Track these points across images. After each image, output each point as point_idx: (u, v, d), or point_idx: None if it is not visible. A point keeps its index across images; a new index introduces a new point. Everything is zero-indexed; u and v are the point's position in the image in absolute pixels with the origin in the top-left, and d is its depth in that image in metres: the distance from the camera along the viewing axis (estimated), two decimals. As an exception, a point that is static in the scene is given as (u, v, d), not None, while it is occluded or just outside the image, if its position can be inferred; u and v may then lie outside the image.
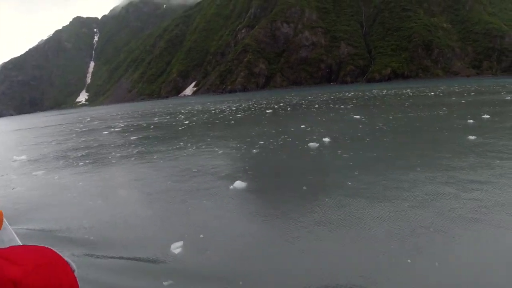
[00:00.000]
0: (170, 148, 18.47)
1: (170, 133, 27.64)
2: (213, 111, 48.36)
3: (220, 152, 15.65)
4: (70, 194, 11.70)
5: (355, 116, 25.18)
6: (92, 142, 27.22)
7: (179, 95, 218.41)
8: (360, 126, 20.59)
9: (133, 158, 16.78)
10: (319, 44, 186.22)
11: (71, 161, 18.65)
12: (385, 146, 15.07)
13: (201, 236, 7.24)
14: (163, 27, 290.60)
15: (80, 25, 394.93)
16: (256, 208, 8.82)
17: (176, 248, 6.71)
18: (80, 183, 13.14)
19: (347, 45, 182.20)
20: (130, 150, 20.09)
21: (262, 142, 16.74)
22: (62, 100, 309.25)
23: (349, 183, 9.88)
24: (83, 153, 20.94)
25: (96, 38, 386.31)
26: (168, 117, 47.63)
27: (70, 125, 53.20)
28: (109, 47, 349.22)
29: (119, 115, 69.91)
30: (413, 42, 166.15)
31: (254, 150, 15.22)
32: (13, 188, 13.29)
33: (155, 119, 46.73)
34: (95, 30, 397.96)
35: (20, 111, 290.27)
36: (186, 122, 35.73)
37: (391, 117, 23.83)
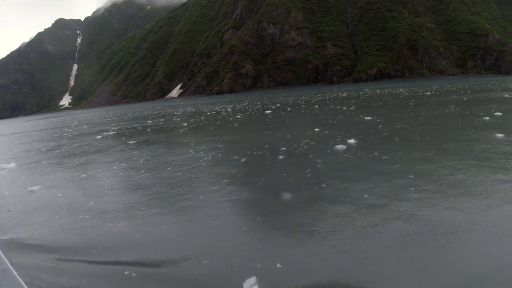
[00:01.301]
0: (181, 155, 17.08)
1: (172, 137, 26.19)
2: (208, 113, 47.41)
3: (243, 160, 14.56)
4: (85, 219, 9.64)
5: (366, 117, 24.58)
6: (87, 147, 25.54)
7: (165, 97, 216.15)
8: (380, 126, 20.04)
9: (143, 170, 15.11)
10: (305, 45, 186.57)
11: (70, 171, 16.95)
12: (419, 145, 14.58)
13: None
14: (147, 28, 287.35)
15: (63, 27, 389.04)
16: (318, 224, 8.08)
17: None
18: (92, 202, 11.19)
19: (333, 45, 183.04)
20: (134, 158, 18.42)
21: (284, 148, 15.81)
22: (45, 104, 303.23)
23: (412, 189, 9.35)
24: (81, 161, 19.40)
25: (79, 40, 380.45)
26: (162, 119, 46.47)
27: (58, 130, 51.28)
28: (93, 50, 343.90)
29: (107, 118, 68.26)
30: (398, 42, 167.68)
31: (280, 157, 14.32)
32: (8, 211, 11.28)
33: (149, 121, 45.55)
34: (78, 32, 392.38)
35: (1, 116, 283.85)
36: (184, 124, 34.56)
37: (405, 117, 23.39)
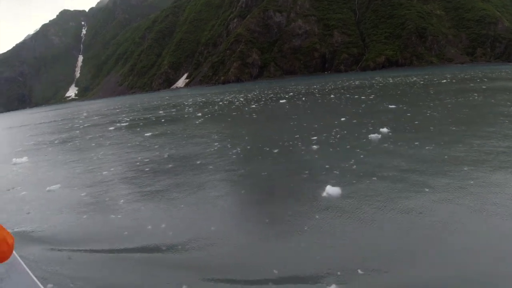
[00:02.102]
0: (207, 148, 16.14)
1: (190, 128, 25.15)
2: (221, 103, 46.72)
3: (276, 151, 13.80)
4: (117, 219, 8.82)
5: (390, 106, 23.88)
6: (102, 139, 24.57)
7: (171, 87, 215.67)
8: (408, 115, 19.32)
9: (170, 165, 14.06)
10: (312, 33, 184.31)
11: (89, 167, 15.78)
12: (459, 134, 13.86)
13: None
14: (152, 18, 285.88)
15: (67, 18, 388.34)
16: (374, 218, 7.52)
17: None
18: (121, 201, 10.36)
19: (340, 33, 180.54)
20: (157, 153, 17.35)
21: (315, 138, 15.19)
22: (51, 96, 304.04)
23: (472, 183, 8.70)
24: (99, 156, 18.32)
25: (84, 31, 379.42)
26: (174, 110, 45.84)
27: (68, 121, 50.67)
28: (98, 40, 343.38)
29: (116, 109, 67.67)
30: (406, 30, 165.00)
31: (314, 147, 13.69)
32: (28, 213, 10.40)
33: (160, 112, 44.93)
34: (82, 23, 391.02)
35: (8, 108, 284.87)
36: (199, 114, 33.82)
37: (431, 105, 22.64)
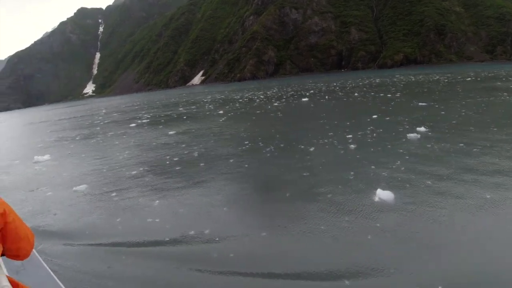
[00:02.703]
0: (238, 147, 15.83)
1: (216, 126, 24.80)
2: (240, 100, 46.48)
3: (311, 150, 13.56)
4: (154, 223, 8.49)
5: (420, 103, 23.32)
6: (125, 137, 24.24)
7: (187, 84, 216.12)
8: (443, 113, 18.84)
9: (202, 163, 13.62)
10: (329, 30, 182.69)
11: (118, 167, 15.12)
12: (506, 137, 13.25)
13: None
14: (169, 16, 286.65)
15: (85, 16, 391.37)
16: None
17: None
18: (156, 202, 9.86)
19: (357, 30, 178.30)
20: (185, 152, 16.75)
21: (350, 136, 14.87)
22: (69, 92, 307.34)
23: None
24: (125, 155, 17.72)
25: (101, 29, 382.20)
26: (194, 107, 45.78)
27: (88, 118, 50.99)
28: (114, 38, 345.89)
29: (135, 105, 68.00)
30: (425, 27, 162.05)
31: (352, 146, 13.35)
32: (55, 214, 10.13)
33: (180, 108, 44.92)
34: (99, 20, 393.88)
35: (27, 104, 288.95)
36: (221, 112, 33.50)
37: (463, 103, 22.07)
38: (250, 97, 50.59)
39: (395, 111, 21.73)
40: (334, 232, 7.05)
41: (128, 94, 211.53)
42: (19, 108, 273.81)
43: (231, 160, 13.63)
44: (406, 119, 17.76)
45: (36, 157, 19.22)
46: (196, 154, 15.97)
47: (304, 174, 10.70)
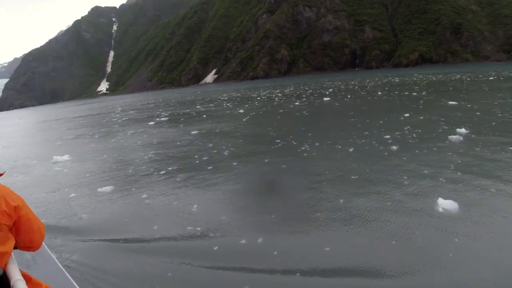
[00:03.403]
0: (271, 145, 15.27)
1: (240, 125, 24.11)
2: (258, 98, 46.08)
3: (351, 150, 13.05)
4: (195, 231, 7.90)
5: (450, 102, 22.67)
6: (146, 136, 23.54)
7: (200, 83, 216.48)
8: (478, 113, 18.19)
9: (235, 162, 13.10)
10: (342, 28, 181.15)
11: (144, 168, 14.51)
12: None
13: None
14: (181, 14, 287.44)
15: (99, 14, 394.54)
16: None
17: None
18: (195, 206, 9.40)
19: (371, 29, 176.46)
20: (213, 150, 16.13)
21: (388, 136, 14.34)
22: (83, 90, 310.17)
23: None
24: (150, 155, 17.09)
25: (114, 28, 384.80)
26: (212, 105, 45.52)
27: (104, 115, 50.93)
28: (128, 36, 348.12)
29: (151, 103, 68.04)
30: (441, 25, 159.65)
31: (394, 147, 12.80)
32: (81, 218, 9.67)
33: (198, 107, 44.68)
34: (113, 19, 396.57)
35: (41, 102, 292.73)
36: (241, 111, 32.93)
37: (496, 103, 21.37)
38: (268, 95, 50.15)
39: (426, 110, 20.99)
40: (404, 244, 6.57)
41: (141, 92, 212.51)
42: (33, 105, 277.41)
43: (266, 160, 13.18)
44: (442, 119, 17.12)
45: (55, 157, 18.44)
46: (226, 153, 15.52)
47: (353, 177, 10.00)
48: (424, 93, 32.35)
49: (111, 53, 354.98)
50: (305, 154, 13.30)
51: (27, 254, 5.22)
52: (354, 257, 6.21)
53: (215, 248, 6.99)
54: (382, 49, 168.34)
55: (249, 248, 6.90)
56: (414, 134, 14.47)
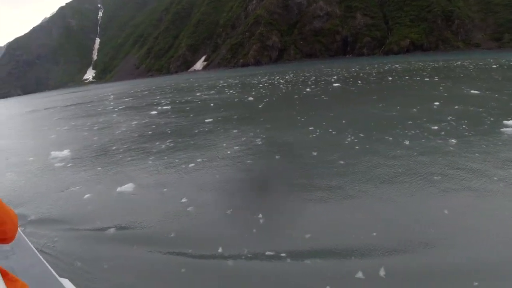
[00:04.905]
0: (309, 134, 14.01)
1: (256, 112, 22.42)
2: (261, 85, 44.63)
3: (407, 142, 11.72)
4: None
5: (472, 91, 21.61)
6: (154, 127, 21.06)
7: (189, 70, 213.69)
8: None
9: (277, 156, 11.78)
10: (333, 15, 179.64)
11: (169, 161, 12.79)
12: None
13: None
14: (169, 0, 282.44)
15: (84, 1, 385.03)
16: None
17: None
18: (260, 215, 7.91)
19: (363, 15, 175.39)
20: (243, 138, 14.73)
21: (436, 128, 12.99)
22: (69, 78, 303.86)
23: None
24: (169, 144, 15.34)
25: (100, 14, 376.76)
26: (212, 92, 43.77)
27: (97, 104, 48.09)
28: (114, 23, 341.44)
29: (144, 91, 65.90)
30: (432, 13, 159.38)
31: (452, 140, 11.60)
32: (111, 227, 8.35)
33: (198, 94, 42.87)
34: (99, 5, 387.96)
35: (26, 91, 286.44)
36: (250, 98, 31.27)
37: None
38: (270, 82, 48.62)
39: (454, 99, 19.52)
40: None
41: (130, 80, 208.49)
42: (18, 94, 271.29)
43: (314, 153, 11.88)
44: (479, 109, 16.06)
45: (53, 153, 16.11)
46: (259, 142, 14.06)
47: (435, 177, 8.75)
48: (436, 79, 31.40)
49: (97, 40, 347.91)
50: (357, 148, 11.90)
51: (6, 246, 5.39)
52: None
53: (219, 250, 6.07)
54: (373, 36, 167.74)
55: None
56: (464, 126, 13.25)
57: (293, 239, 6.73)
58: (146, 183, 10.80)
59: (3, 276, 2.03)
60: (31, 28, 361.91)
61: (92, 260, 6.68)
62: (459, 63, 53.93)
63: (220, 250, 6.52)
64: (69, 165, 14.22)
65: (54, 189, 11.34)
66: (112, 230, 7.83)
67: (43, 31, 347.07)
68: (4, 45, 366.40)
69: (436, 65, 53.85)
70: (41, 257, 5.53)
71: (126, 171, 12.43)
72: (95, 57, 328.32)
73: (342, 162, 10.65)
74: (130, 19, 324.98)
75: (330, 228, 7.00)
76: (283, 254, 6.14)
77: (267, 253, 6.26)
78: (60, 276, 5.13)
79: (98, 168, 13.18)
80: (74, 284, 4.92)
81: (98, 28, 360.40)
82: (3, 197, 10.67)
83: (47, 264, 5.27)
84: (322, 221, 7.33)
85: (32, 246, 5.93)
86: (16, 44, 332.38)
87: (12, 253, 5.43)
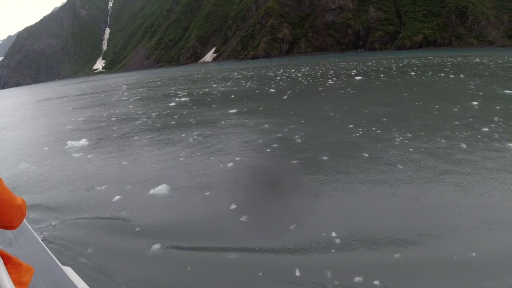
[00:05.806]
0: (351, 132, 13.28)
1: (283, 104, 21.92)
2: (278, 78, 44.02)
3: (464, 145, 11.01)
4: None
5: (506, 91, 20.77)
6: (176, 117, 20.63)
7: (199, 61, 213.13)
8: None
9: (325, 157, 10.89)
10: (346, 8, 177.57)
11: (202, 158, 12.01)
12: None
13: None
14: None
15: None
16: None
17: None
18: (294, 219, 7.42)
19: (376, 9, 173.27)
20: (277, 134, 14.03)
21: (486, 129, 12.35)
22: (79, 68, 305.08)
23: None
24: (200, 138, 14.55)
25: (110, 4, 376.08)
26: (229, 83, 43.28)
27: (110, 93, 47.96)
28: (124, 13, 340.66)
29: (157, 81, 65.87)
30: (446, 8, 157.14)
31: (497, 144, 11.02)
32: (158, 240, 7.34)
33: (214, 85, 42.46)
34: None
35: (36, 80, 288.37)
36: (272, 90, 30.89)
37: None
38: (287, 75, 47.86)
39: (490, 100, 18.25)
40: None
41: (139, 71, 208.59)
42: (28, 83, 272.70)
43: (366, 154, 10.94)
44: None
45: (69, 142, 15.68)
46: (299, 140, 13.30)
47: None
48: (462, 76, 30.54)
49: (107, 31, 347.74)
50: (410, 148, 11.08)
51: (9, 233, 5.64)
52: None
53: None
54: (386, 31, 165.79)
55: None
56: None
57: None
58: (180, 185, 9.78)
59: (6, 261, 2.02)
60: (41, 17, 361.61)
61: (97, 249, 6.78)
62: (477, 60, 52.90)
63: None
64: (88, 156, 13.86)
65: (72, 179, 11.23)
66: (120, 222, 7.93)
67: (54, 20, 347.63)
68: (14, 34, 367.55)
69: (454, 61, 52.91)
70: (44, 245, 5.63)
71: (153, 167, 11.67)
72: (105, 47, 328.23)
73: (401, 166, 9.80)
74: (140, 9, 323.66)
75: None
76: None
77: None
78: (64, 264, 5.24)
79: (120, 164, 12.50)
80: (77, 272, 5.05)
81: (108, 18, 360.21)
82: (13, 185, 10.60)
83: (50, 252, 5.37)
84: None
85: (35, 234, 6.05)
86: (27, 34, 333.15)
87: (15, 241, 5.57)
